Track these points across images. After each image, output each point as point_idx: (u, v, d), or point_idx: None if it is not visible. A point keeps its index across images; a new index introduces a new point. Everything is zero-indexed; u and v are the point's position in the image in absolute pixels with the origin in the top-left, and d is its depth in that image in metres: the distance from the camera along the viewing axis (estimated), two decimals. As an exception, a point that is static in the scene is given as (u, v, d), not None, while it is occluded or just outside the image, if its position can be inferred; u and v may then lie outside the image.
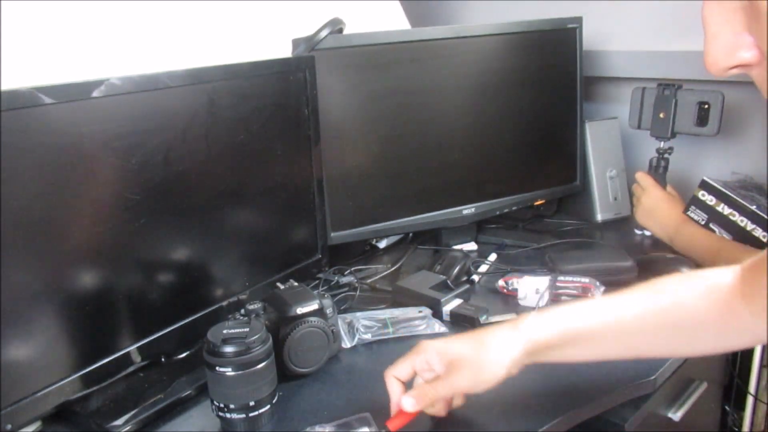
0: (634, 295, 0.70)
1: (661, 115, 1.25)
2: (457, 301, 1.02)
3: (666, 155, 1.27)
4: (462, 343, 0.71)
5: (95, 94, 0.72)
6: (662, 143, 1.27)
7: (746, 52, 0.45)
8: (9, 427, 0.68)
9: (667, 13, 1.32)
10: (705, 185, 1.16)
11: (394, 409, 0.73)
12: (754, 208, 1.09)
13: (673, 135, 1.25)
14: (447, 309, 1.00)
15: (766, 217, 1.07)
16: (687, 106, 1.22)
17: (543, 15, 1.31)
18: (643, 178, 1.27)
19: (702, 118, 1.21)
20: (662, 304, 0.68)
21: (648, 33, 1.37)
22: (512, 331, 0.70)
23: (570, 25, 1.32)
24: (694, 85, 1.23)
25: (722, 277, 0.66)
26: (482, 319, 0.98)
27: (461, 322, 0.99)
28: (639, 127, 1.30)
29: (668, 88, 1.24)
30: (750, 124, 1.29)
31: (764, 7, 0.43)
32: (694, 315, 0.66)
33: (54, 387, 0.72)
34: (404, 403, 0.70)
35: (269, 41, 1.20)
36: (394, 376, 0.73)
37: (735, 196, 1.11)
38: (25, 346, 0.70)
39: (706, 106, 1.20)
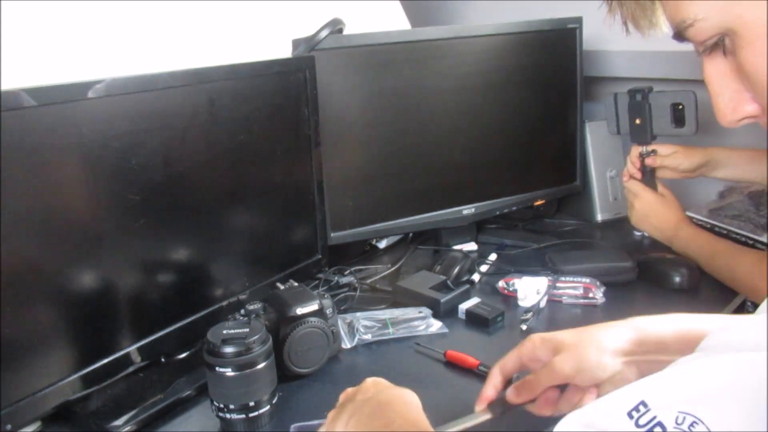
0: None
1: (637, 121, 1.22)
2: (475, 300, 1.03)
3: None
4: (566, 332, 0.70)
5: (94, 94, 0.72)
6: (644, 147, 1.23)
7: (748, 105, 0.50)
8: (9, 427, 0.68)
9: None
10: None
11: (482, 398, 0.71)
12: (746, 232, 1.09)
13: (654, 138, 1.22)
14: (463, 307, 1.01)
15: (759, 239, 1.07)
16: (661, 108, 1.19)
17: (543, 15, 1.30)
18: (631, 185, 1.23)
19: (678, 119, 1.18)
20: None
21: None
22: (619, 323, 0.69)
23: (570, 25, 1.32)
24: (665, 87, 1.21)
25: None
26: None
27: (475, 322, 0.99)
28: (619, 133, 1.28)
29: (639, 93, 1.21)
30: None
31: (749, 67, 0.47)
32: None
33: (54, 387, 0.72)
34: (508, 393, 0.70)
35: (269, 41, 1.20)
36: (499, 368, 0.72)
37: (724, 225, 1.12)
38: (25, 346, 0.70)
39: (681, 107, 1.17)
